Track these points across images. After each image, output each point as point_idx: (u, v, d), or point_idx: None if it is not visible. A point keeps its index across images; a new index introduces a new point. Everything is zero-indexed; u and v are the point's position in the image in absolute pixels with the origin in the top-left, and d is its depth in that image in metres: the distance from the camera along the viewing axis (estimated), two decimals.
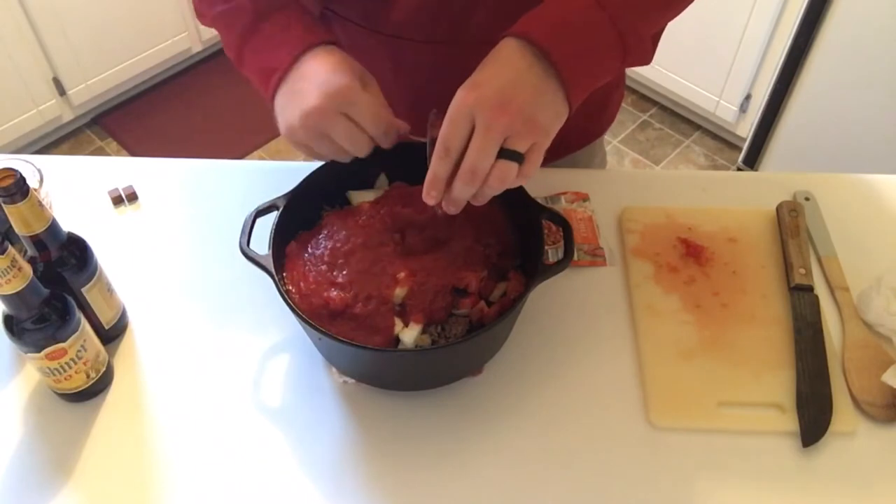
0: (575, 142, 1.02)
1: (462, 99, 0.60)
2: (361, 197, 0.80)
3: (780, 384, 0.74)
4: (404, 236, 0.76)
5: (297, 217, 0.76)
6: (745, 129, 2.28)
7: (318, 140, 0.68)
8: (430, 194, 0.64)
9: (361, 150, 0.69)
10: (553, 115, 0.63)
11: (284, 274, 0.73)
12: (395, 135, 0.70)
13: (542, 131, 0.62)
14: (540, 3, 0.65)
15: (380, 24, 0.80)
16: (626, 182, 0.97)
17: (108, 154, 2.47)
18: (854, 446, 0.71)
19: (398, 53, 0.82)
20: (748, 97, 2.22)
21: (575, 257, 0.85)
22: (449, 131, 0.61)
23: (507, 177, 0.62)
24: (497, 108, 0.59)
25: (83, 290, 0.73)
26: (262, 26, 0.73)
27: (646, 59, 0.68)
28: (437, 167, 0.62)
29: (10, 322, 0.67)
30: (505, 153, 0.61)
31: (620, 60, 0.66)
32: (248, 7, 0.73)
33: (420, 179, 0.77)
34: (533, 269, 0.70)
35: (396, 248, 0.74)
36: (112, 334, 0.80)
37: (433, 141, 0.64)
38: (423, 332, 0.71)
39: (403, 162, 0.76)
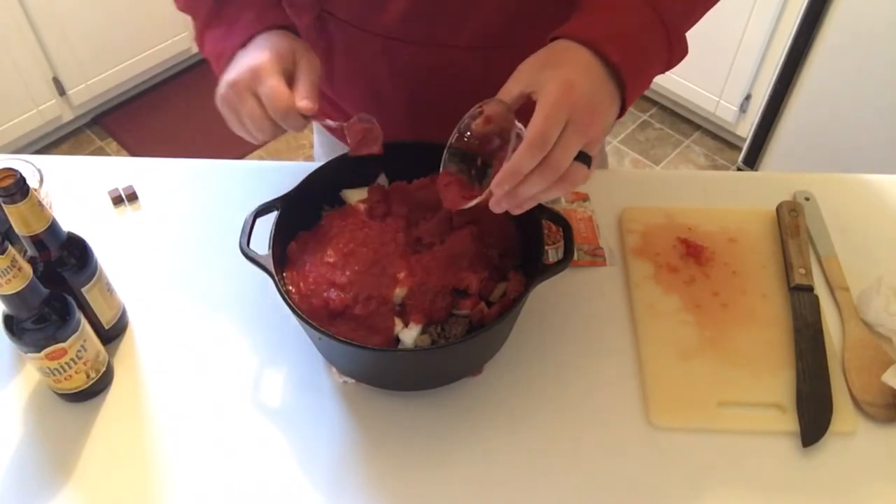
0: None
1: (562, 96, 0.58)
2: (356, 195, 0.80)
3: (780, 384, 0.74)
4: (415, 226, 0.76)
5: (297, 217, 0.76)
6: (745, 129, 2.28)
7: (233, 114, 0.71)
8: (502, 187, 0.60)
9: (262, 131, 0.70)
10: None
11: (284, 274, 0.73)
12: (297, 118, 0.68)
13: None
14: (537, 7, 0.65)
15: (374, 26, 0.80)
16: (626, 182, 0.96)
17: (108, 154, 2.47)
18: (854, 446, 0.71)
19: (394, 55, 0.82)
20: (748, 97, 2.22)
21: (575, 257, 0.85)
22: (548, 126, 0.58)
23: (579, 180, 0.62)
24: (591, 112, 0.59)
25: (83, 290, 0.73)
26: (220, 13, 0.76)
27: (671, 67, 0.68)
28: (524, 160, 0.58)
29: (10, 322, 0.67)
30: (579, 156, 0.60)
31: (662, 70, 0.66)
32: None
33: (420, 178, 0.77)
34: (533, 269, 0.70)
35: (398, 247, 0.74)
36: (112, 334, 0.80)
37: (471, 133, 0.63)
38: (423, 332, 0.71)
39: (403, 161, 0.76)
